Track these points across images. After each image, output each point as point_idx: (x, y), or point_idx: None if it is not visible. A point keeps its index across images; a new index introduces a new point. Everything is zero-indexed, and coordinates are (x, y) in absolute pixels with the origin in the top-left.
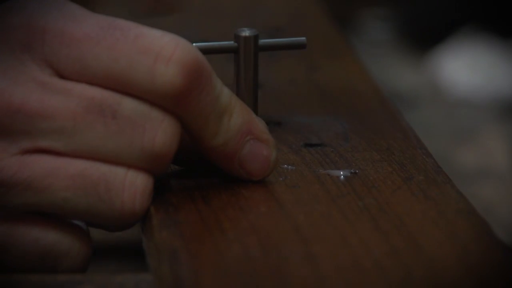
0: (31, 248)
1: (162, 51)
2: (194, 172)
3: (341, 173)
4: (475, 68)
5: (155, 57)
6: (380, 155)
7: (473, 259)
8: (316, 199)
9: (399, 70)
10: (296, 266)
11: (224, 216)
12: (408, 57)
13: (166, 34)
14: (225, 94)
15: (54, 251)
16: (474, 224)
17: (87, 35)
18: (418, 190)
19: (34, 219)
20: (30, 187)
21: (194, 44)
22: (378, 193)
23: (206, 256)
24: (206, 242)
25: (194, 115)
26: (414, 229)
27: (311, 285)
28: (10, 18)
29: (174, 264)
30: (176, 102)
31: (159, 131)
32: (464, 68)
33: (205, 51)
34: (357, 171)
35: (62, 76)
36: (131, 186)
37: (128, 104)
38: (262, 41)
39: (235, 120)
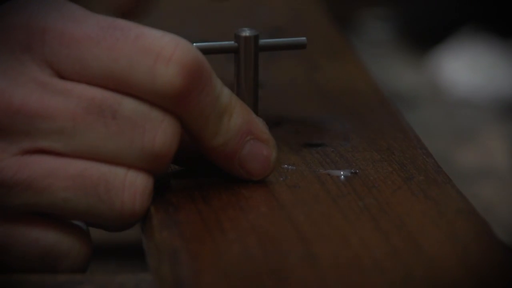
0: (31, 249)
1: (162, 51)
2: (194, 172)
3: (342, 173)
4: (475, 68)
5: (155, 57)
6: (380, 155)
7: (473, 259)
8: (317, 199)
9: (399, 70)
10: (296, 266)
11: (224, 216)
12: (408, 57)
13: (166, 34)
14: (225, 94)
15: (54, 251)
16: (474, 224)
17: (87, 36)
18: (419, 190)
19: (34, 220)
20: (30, 187)
21: (194, 44)
22: (379, 193)
23: (206, 256)
24: (206, 242)
25: (194, 115)
26: (414, 229)
27: (311, 285)
28: (10, 19)
29: (174, 264)
30: (176, 102)
31: (159, 131)
32: (464, 68)
33: (205, 51)
34: (357, 171)
35: (62, 76)
36: (131, 186)
37: (128, 105)
38: (262, 41)
39: (235, 120)
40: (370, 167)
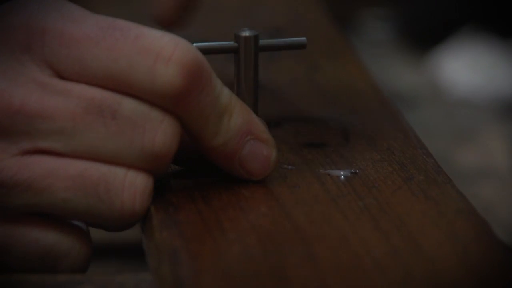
0: (31, 249)
1: (162, 52)
2: (194, 172)
3: (342, 173)
4: (475, 68)
5: (155, 57)
6: (380, 155)
7: (473, 259)
8: (317, 199)
9: (399, 70)
10: (296, 266)
11: (225, 216)
12: (408, 57)
13: (166, 34)
14: (225, 94)
15: (54, 251)
16: (474, 224)
17: (86, 36)
18: (419, 190)
19: (34, 220)
20: (30, 187)
21: (194, 44)
22: (379, 193)
23: (206, 256)
24: (206, 242)
25: (194, 115)
26: (414, 229)
27: (311, 285)
28: (10, 19)
29: (174, 264)
30: (176, 102)
31: (159, 131)
32: (464, 68)
33: (205, 51)
34: (357, 171)
35: (62, 76)
36: (131, 186)
37: (128, 105)
38: (262, 41)
39: (235, 120)
40: (370, 167)
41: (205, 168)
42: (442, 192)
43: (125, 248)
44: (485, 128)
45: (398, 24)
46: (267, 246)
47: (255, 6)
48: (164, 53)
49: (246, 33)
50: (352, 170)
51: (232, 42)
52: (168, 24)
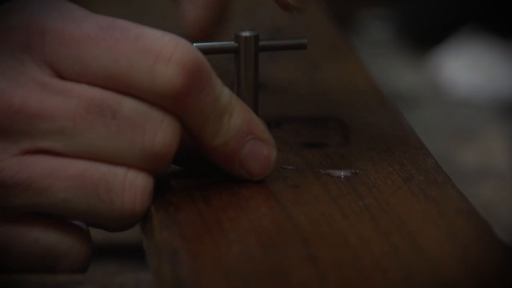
0: (31, 249)
1: (162, 51)
2: (194, 172)
3: (342, 173)
4: (475, 68)
5: (155, 57)
6: (380, 155)
7: (473, 259)
8: (317, 199)
9: (400, 70)
10: (296, 266)
11: (225, 216)
12: (408, 57)
13: (166, 34)
14: (225, 94)
15: (54, 251)
16: (474, 224)
17: (86, 36)
18: (419, 190)
19: (34, 220)
20: (30, 187)
21: (194, 44)
22: (379, 193)
23: (206, 256)
24: (206, 242)
25: (194, 115)
26: (415, 229)
27: (311, 285)
28: (10, 19)
29: (175, 264)
30: (176, 102)
31: (159, 131)
32: (464, 68)
33: (205, 51)
34: (357, 171)
35: (62, 76)
36: (131, 186)
37: (128, 104)
38: (262, 41)
39: (235, 120)
40: (370, 167)
41: (205, 168)
42: (442, 192)
43: (125, 248)
44: (485, 128)
45: (398, 24)
46: (267, 246)
47: (255, 6)
48: (164, 53)
49: (246, 33)
50: (352, 170)
51: (232, 42)
52: (201, 38)
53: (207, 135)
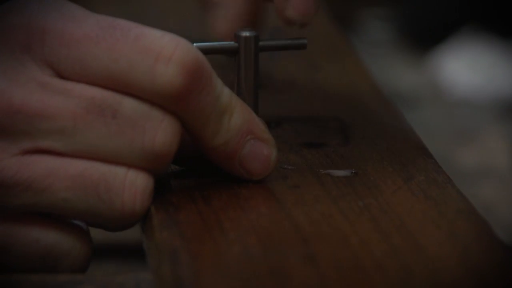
0: (31, 249)
1: (162, 51)
2: (194, 172)
3: (342, 173)
4: (475, 68)
5: (155, 57)
6: (380, 155)
7: (473, 259)
8: (317, 199)
9: (400, 70)
10: (296, 266)
11: (225, 216)
12: (408, 57)
13: (166, 34)
14: (226, 94)
15: (54, 251)
16: (474, 224)
17: (87, 36)
18: (419, 190)
19: (34, 220)
20: (30, 187)
21: (194, 44)
22: (379, 193)
23: (206, 256)
24: (206, 242)
25: (195, 115)
26: (415, 229)
27: (311, 285)
28: (10, 19)
29: (175, 264)
30: (176, 102)
31: (159, 131)
32: (464, 68)
33: (205, 51)
34: (357, 171)
35: (62, 76)
36: (131, 186)
37: (128, 104)
38: (262, 41)
39: (236, 120)
40: (370, 167)
41: (205, 168)
42: (442, 192)
43: (125, 248)
44: (485, 128)
45: (398, 24)
46: (267, 246)
47: None
48: (165, 53)
49: (246, 33)
50: (352, 170)
51: (232, 42)
52: None
53: (208, 135)
